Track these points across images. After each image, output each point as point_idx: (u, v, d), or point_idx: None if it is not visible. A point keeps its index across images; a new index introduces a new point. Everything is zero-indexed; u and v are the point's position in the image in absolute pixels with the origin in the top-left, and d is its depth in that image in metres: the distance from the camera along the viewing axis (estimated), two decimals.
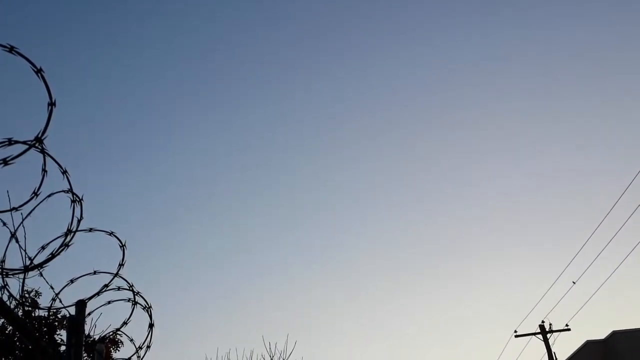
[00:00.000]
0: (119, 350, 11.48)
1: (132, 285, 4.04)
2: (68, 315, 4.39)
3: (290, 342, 19.98)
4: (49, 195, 3.25)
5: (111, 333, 4.21)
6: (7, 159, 2.85)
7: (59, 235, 3.49)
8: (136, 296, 4.15)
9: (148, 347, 4.25)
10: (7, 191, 3.20)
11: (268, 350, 16.14)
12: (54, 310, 3.77)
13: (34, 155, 3.23)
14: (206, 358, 17.98)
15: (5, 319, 3.49)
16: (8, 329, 11.45)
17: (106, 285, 3.91)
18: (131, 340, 4.75)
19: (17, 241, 3.38)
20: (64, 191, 3.34)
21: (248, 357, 16.69)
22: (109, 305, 4.62)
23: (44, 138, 2.88)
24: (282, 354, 16.09)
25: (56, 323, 10.12)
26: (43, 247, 3.59)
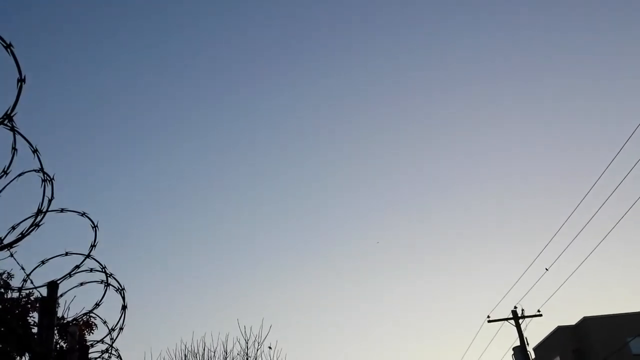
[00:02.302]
0: (92, 333, 11.35)
1: (105, 267, 4.01)
2: (40, 296, 4.34)
3: (266, 326, 20.01)
4: (19, 175, 3.19)
5: (84, 315, 4.17)
6: None
7: (29, 215, 3.43)
8: (109, 278, 4.12)
9: (121, 329, 4.23)
10: None
11: (243, 333, 16.19)
12: (26, 292, 3.72)
13: (3, 132, 3.16)
14: (181, 341, 17.96)
15: None
16: None
17: (77, 266, 3.86)
18: (104, 322, 4.73)
19: None
20: (34, 170, 3.28)
21: (224, 340, 16.70)
22: (82, 287, 4.58)
23: (14, 115, 2.81)
24: (257, 338, 16.15)
25: (29, 305, 9.98)
26: (13, 227, 3.53)
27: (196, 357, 16.12)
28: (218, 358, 16.04)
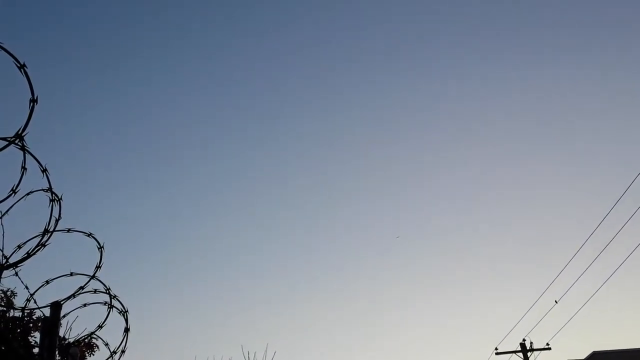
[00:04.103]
0: (93, 354, 11.31)
1: (109, 289, 3.98)
2: (43, 316, 4.32)
3: (270, 351, 19.80)
4: (27, 194, 3.19)
5: (86, 337, 4.13)
6: None
7: (36, 234, 3.43)
8: (112, 300, 4.08)
9: (123, 351, 4.18)
10: None
11: (247, 358, 16.03)
12: (29, 311, 3.69)
13: (14, 152, 3.17)
14: None
15: None
16: None
17: (82, 287, 3.84)
18: (106, 344, 4.68)
19: None
20: (43, 190, 3.28)
21: None
22: (85, 308, 4.55)
23: (25, 135, 2.83)
24: None
25: (31, 324, 9.95)
26: (19, 246, 3.53)
27: None
28: None
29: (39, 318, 10.75)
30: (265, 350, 19.57)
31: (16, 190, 3.00)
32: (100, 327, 3.99)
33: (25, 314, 3.92)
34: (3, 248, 3.57)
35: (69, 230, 3.60)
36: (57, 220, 3.34)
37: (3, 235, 3.40)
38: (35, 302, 3.93)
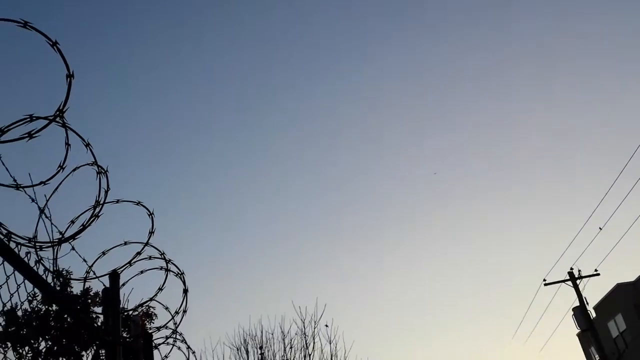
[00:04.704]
0: (153, 323, 11.72)
1: (164, 253, 4.10)
2: (103, 287, 4.48)
3: (320, 305, 20.23)
4: (74, 169, 3.27)
5: (148, 301, 4.29)
6: (32, 132, 2.87)
7: (86, 208, 3.53)
8: (168, 264, 4.21)
9: (184, 311, 4.33)
10: (27, 174, 3.23)
11: (299, 314, 16.39)
12: (89, 281, 3.83)
13: (55, 130, 3.24)
14: (239, 326, 18.29)
15: (42, 293, 3.57)
16: (41, 311, 11.76)
17: (139, 253, 3.97)
18: (166, 308, 4.83)
19: (46, 216, 3.42)
20: (88, 164, 3.37)
21: (280, 322, 16.94)
22: (140, 277, 4.69)
23: (65, 111, 2.89)
24: (312, 317, 16.34)
25: (89, 300, 10.34)
26: (72, 222, 3.64)
27: (255, 340, 16.46)
28: (276, 339, 16.34)
29: (96, 294, 11.16)
30: (316, 305, 19.99)
31: (64, 167, 3.08)
32: (160, 289, 4.13)
33: (84, 289, 4.04)
34: (56, 225, 3.67)
35: (117, 201, 3.69)
36: (106, 192, 3.43)
37: (51, 213, 3.48)
38: (94, 273, 4.07)
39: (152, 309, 11.58)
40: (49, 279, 3.46)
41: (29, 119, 3.04)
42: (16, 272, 3.17)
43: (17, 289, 3.32)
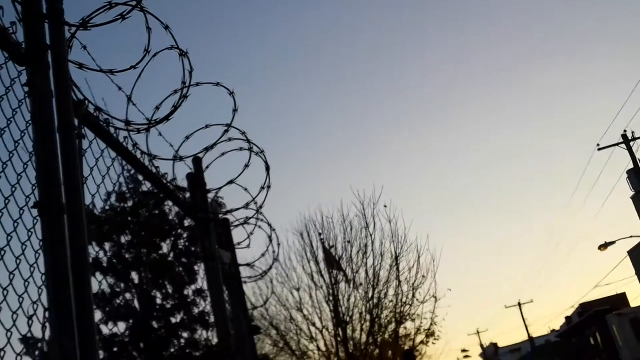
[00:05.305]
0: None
1: (244, 132, 4.24)
2: (189, 171, 4.70)
3: (377, 187, 20.59)
4: (155, 54, 3.34)
5: (229, 182, 4.49)
6: (124, 13, 2.94)
7: (170, 92, 3.64)
8: (249, 143, 4.35)
9: (268, 187, 4.53)
10: (113, 60, 3.31)
11: (357, 196, 16.78)
12: (178, 159, 4.00)
13: (134, 16, 3.29)
14: (299, 213, 18.89)
15: (141, 174, 3.79)
16: (118, 208, 12.43)
17: (226, 130, 4.11)
18: (245, 189, 5.04)
19: (133, 104, 3.55)
20: (168, 48, 3.44)
21: (339, 206, 17.43)
22: (219, 163, 4.86)
23: None
24: (371, 199, 16.71)
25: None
26: (157, 107, 3.77)
27: (315, 226, 17.07)
28: (336, 223, 16.90)
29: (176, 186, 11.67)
30: (374, 187, 20.36)
31: (148, 50, 3.16)
32: (246, 165, 4.30)
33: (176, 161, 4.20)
34: (142, 112, 3.81)
35: (197, 84, 3.79)
36: (190, 73, 3.52)
37: (132, 102, 3.60)
38: (180, 157, 4.27)
39: (220, 198, 12.07)
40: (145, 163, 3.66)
41: (107, 6, 3.09)
42: (118, 157, 3.37)
43: (118, 178, 3.54)
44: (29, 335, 2.18)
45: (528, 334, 43.66)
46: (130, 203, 12.19)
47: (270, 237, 5.63)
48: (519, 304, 43.79)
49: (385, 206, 16.45)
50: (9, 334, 2.05)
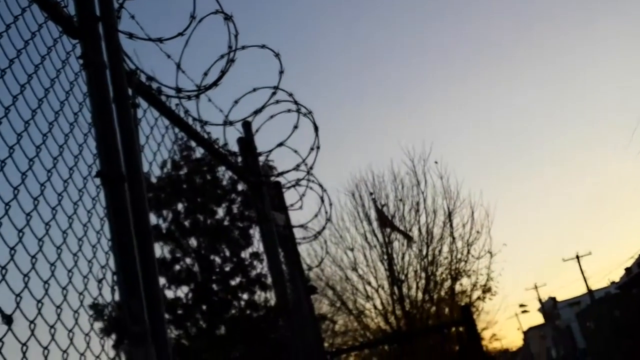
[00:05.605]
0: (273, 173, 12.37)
1: (292, 94, 4.23)
2: (238, 137, 4.76)
3: (427, 144, 20.34)
4: (200, 20, 3.36)
5: (283, 142, 4.50)
6: None
7: (217, 58, 3.66)
8: (297, 105, 4.35)
9: (317, 147, 4.53)
10: (159, 28, 3.35)
11: (407, 153, 16.64)
12: (228, 124, 4.04)
13: None
14: (351, 174, 18.92)
15: (194, 140, 3.86)
16: (172, 175, 12.72)
17: (274, 93, 4.12)
18: (295, 151, 5.06)
19: (182, 71, 3.59)
20: (213, 12, 3.44)
21: (389, 165, 17.35)
22: (268, 127, 4.88)
23: None
24: (421, 156, 16.55)
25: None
26: (205, 74, 3.80)
27: (367, 185, 17.05)
28: (387, 181, 16.84)
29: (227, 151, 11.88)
30: (423, 143, 20.12)
31: (194, 16, 3.18)
32: (295, 127, 4.31)
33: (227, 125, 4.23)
34: (190, 78, 3.84)
35: (243, 47, 3.79)
36: (235, 36, 3.52)
37: (179, 69, 3.62)
38: (230, 122, 4.31)
39: (271, 162, 12.20)
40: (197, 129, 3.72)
41: None
42: (171, 124, 3.43)
43: (173, 145, 3.61)
44: (99, 297, 2.28)
45: (587, 286, 42.91)
46: (184, 170, 12.45)
47: (322, 198, 5.66)
48: (577, 257, 42.99)
49: (436, 162, 16.29)
50: (81, 297, 2.16)
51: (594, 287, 45.59)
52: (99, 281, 2.29)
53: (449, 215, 15.93)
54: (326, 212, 5.35)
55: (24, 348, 1.85)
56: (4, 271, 1.86)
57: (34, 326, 1.89)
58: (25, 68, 2.27)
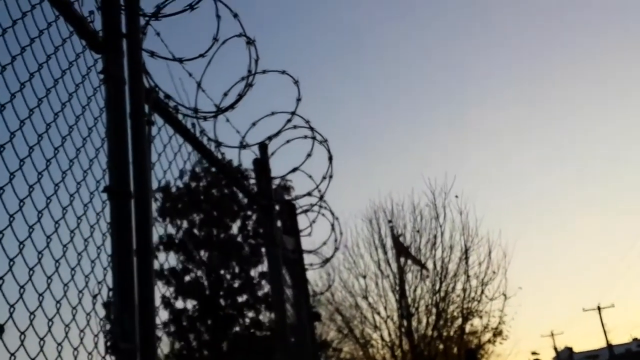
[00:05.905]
0: (290, 195, 12.41)
1: (309, 121, 4.26)
2: (254, 158, 4.79)
3: (450, 177, 20.23)
4: (223, 42, 3.41)
5: (297, 168, 4.52)
6: (192, 4, 3.01)
7: (237, 80, 3.71)
8: (313, 132, 4.38)
9: (330, 176, 4.54)
10: (181, 49, 3.41)
11: (429, 185, 16.51)
12: (244, 146, 4.08)
13: (202, 5, 3.36)
14: (369, 200, 18.84)
15: (208, 162, 3.90)
16: (192, 187, 12.86)
17: (289, 120, 4.15)
18: (309, 176, 5.07)
19: (203, 90, 3.64)
20: (237, 35, 3.49)
21: (410, 194, 17.24)
22: (284, 150, 4.90)
23: None
24: (442, 189, 16.40)
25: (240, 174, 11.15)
26: (225, 94, 3.85)
27: (385, 213, 16.93)
28: (406, 210, 16.71)
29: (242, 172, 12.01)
30: (446, 176, 20.01)
31: (217, 38, 3.23)
32: (309, 155, 4.33)
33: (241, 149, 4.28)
34: (211, 98, 3.89)
35: (264, 72, 3.83)
36: (256, 61, 3.57)
37: (200, 89, 3.67)
38: (247, 144, 4.35)
39: (289, 182, 12.27)
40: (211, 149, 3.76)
41: None
42: (185, 143, 3.47)
43: (185, 164, 3.66)
44: (92, 312, 2.30)
45: (607, 340, 41.83)
46: (203, 182, 12.60)
47: (332, 226, 5.65)
48: (599, 308, 41.94)
49: (457, 197, 16.15)
50: (74, 311, 2.18)
51: (614, 342, 44.42)
52: (94, 297, 2.30)
53: (466, 252, 15.75)
54: (335, 241, 5.34)
55: (12, 358, 1.87)
56: (0, 281, 1.89)
57: (24, 337, 1.91)
58: (44, 81, 2.33)
